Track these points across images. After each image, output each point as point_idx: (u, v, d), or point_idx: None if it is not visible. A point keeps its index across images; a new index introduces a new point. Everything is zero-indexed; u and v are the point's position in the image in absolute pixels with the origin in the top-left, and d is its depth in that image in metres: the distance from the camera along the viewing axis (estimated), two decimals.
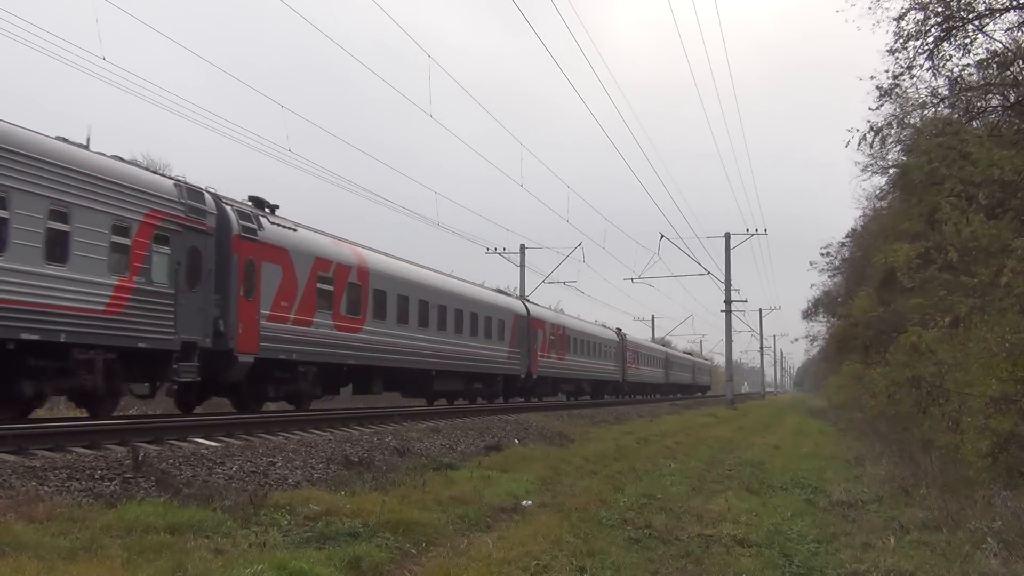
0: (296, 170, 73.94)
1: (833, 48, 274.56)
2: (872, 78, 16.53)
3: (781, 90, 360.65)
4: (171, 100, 78.90)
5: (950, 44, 15.31)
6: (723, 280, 49.91)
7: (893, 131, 19.24)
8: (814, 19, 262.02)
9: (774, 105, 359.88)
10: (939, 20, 14.93)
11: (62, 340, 12.71)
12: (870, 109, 17.26)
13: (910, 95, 17.83)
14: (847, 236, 43.35)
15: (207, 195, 16.30)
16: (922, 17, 15.00)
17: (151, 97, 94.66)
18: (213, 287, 16.03)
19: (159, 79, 49.94)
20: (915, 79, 16.24)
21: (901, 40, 15.24)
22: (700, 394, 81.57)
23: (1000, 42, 15.20)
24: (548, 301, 57.51)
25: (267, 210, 18.78)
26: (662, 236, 47.25)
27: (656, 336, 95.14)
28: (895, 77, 15.88)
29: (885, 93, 16.65)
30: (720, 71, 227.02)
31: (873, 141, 17.54)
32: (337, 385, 21.82)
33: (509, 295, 34.78)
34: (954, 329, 13.23)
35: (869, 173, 31.97)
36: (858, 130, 17.12)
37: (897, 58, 15.57)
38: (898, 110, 19.43)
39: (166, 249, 14.97)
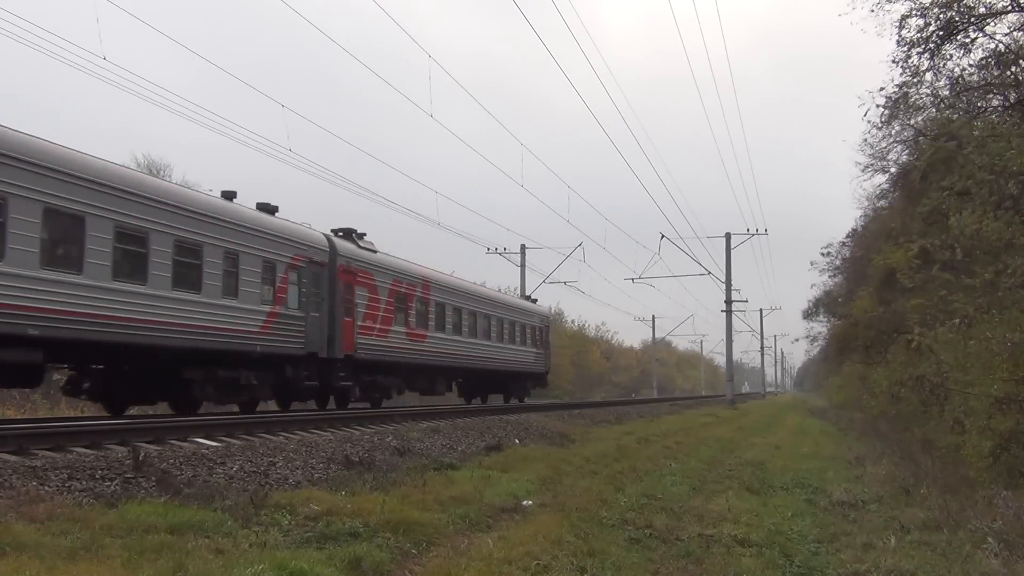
0: (296, 170, 74.10)
1: (834, 40, 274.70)
2: (881, 89, 16.75)
3: (780, 82, 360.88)
4: (171, 100, 78.78)
5: (951, 44, 15.40)
6: (723, 280, 49.93)
7: (900, 114, 19.28)
8: (813, 10, 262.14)
9: (773, 98, 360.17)
10: (939, 25, 15.02)
11: None
12: (880, 120, 17.45)
13: (912, 98, 17.92)
14: (847, 236, 43.37)
15: None
16: (923, 23, 15.11)
17: (151, 97, 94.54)
18: None
19: (159, 79, 49.96)
20: (918, 81, 16.39)
21: (904, 48, 15.37)
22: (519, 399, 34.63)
23: (1001, 42, 15.25)
24: (549, 301, 56.68)
25: None
26: (663, 236, 46.96)
27: (657, 336, 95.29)
28: (900, 86, 16.09)
29: (894, 104, 16.82)
30: (718, 62, 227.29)
31: (885, 108, 17.56)
32: None
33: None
34: (957, 329, 13.22)
35: (870, 173, 31.97)
36: (870, 93, 17.29)
37: (903, 69, 15.74)
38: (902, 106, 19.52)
39: None
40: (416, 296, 24.60)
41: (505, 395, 33.89)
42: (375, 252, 23.00)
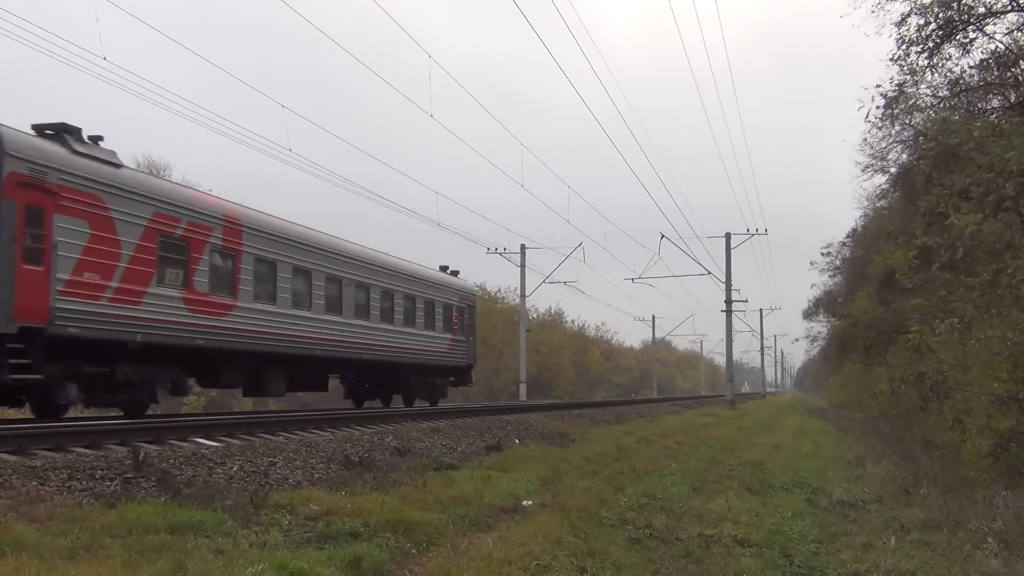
0: (296, 170, 74.07)
1: (834, 40, 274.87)
2: (878, 86, 16.76)
3: (781, 82, 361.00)
4: (171, 100, 78.80)
5: (950, 44, 15.45)
6: (723, 280, 49.94)
7: (899, 114, 19.31)
8: (813, 10, 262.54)
9: (773, 98, 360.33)
10: (939, 24, 15.06)
11: None
12: (878, 119, 17.50)
13: (910, 98, 17.97)
14: (847, 236, 43.45)
15: None
16: (923, 22, 15.17)
17: (151, 97, 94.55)
18: None
19: (159, 79, 50.03)
20: (917, 80, 16.46)
21: (904, 46, 15.43)
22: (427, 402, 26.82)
23: (1001, 43, 15.28)
24: (549, 301, 56.40)
25: None
26: (663, 236, 46.87)
27: (657, 336, 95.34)
28: (899, 85, 16.15)
29: (891, 102, 16.87)
30: (718, 61, 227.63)
31: (886, 105, 17.60)
32: None
33: None
34: (958, 329, 13.23)
35: (870, 173, 32.03)
36: (867, 90, 17.36)
37: (901, 66, 15.80)
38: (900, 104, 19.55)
39: None
40: (211, 245, 16.28)
41: (406, 396, 25.46)
42: (118, 167, 14.60)
